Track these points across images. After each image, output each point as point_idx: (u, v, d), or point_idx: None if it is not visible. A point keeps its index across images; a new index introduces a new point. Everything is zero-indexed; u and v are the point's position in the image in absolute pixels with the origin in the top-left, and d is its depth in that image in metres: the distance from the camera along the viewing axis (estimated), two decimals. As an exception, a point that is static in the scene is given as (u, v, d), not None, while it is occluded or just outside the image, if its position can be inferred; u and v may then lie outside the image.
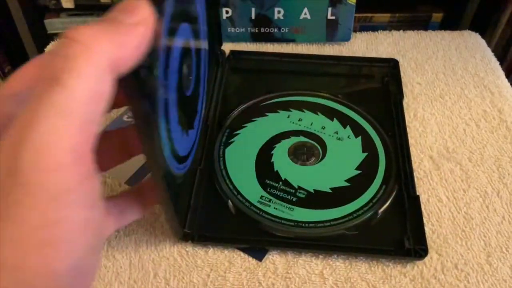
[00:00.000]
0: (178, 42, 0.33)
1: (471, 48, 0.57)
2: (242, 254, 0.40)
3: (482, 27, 0.70)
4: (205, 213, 0.41)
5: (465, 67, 0.55)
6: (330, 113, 0.49)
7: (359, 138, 0.47)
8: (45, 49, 0.57)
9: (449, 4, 0.69)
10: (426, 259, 0.39)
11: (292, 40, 0.57)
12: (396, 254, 0.39)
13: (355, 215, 0.41)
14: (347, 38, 0.57)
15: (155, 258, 0.39)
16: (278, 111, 0.49)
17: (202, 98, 0.44)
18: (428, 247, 0.40)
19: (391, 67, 0.54)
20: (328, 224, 0.41)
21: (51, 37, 0.60)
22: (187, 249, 0.40)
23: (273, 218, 0.41)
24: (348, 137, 0.47)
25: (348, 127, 0.48)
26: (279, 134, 0.47)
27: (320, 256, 0.39)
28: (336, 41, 0.58)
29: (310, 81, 0.53)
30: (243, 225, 0.41)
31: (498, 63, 0.55)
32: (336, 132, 0.47)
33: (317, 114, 0.49)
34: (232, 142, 0.46)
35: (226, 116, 0.48)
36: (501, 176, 0.45)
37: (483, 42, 0.58)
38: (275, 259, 0.39)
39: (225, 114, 0.49)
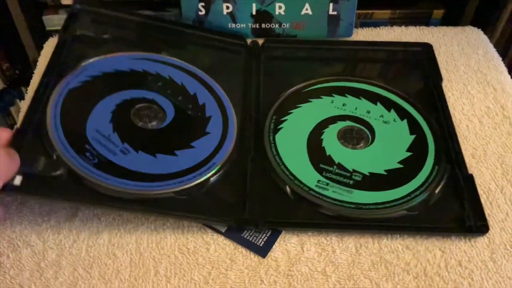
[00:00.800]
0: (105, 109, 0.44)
1: (473, 44, 0.56)
2: (244, 251, 0.39)
3: (483, 24, 0.69)
4: (263, 200, 0.42)
5: (468, 63, 0.54)
6: (373, 98, 0.49)
7: (405, 121, 0.47)
8: (43, 45, 0.57)
9: (450, 1, 0.69)
10: (429, 256, 0.39)
11: (294, 36, 0.57)
12: (458, 231, 0.40)
13: (412, 195, 0.42)
14: (348, 34, 0.57)
15: (156, 256, 0.39)
16: (321, 96, 0.49)
17: (217, 103, 0.47)
18: (431, 244, 0.39)
19: (426, 51, 0.54)
20: (388, 205, 0.41)
21: (50, 33, 0.59)
22: (188, 247, 0.39)
23: (333, 201, 0.41)
24: (394, 120, 0.47)
25: (392, 111, 0.48)
26: (326, 119, 0.47)
27: (323, 254, 0.39)
28: (337, 37, 0.57)
29: (347, 67, 0.53)
30: (303, 210, 0.42)
31: (501, 59, 0.55)
32: (382, 116, 0.48)
33: (360, 99, 0.49)
34: (280, 129, 0.46)
35: (270, 104, 0.49)
36: (505, 173, 0.44)
37: (485, 38, 0.57)
38: (277, 257, 0.39)
39: (269, 102, 0.49)
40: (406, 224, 0.41)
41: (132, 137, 0.43)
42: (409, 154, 0.45)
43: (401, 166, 0.44)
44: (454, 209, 0.41)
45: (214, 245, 0.39)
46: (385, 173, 0.43)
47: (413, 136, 0.46)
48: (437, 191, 0.42)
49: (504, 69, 0.53)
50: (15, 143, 0.38)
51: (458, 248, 0.39)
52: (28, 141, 0.39)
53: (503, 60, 0.55)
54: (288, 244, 0.40)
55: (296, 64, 0.54)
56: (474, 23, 0.61)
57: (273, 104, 0.49)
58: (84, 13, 0.52)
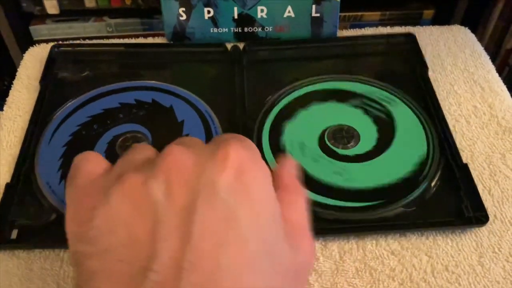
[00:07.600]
0: None
1: (460, 43, 0.55)
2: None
3: (474, 23, 0.69)
4: None
5: (455, 62, 0.53)
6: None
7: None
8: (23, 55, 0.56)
9: (440, 1, 0.68)
10: (415, 261, 0.38)
11: (277, 39, 0.56)
12: (458, 224, 0.39)
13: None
14: (332, 36, 0.56)
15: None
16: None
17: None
18: (417, 249, 0.38)
19: (409, 41, 0.54)
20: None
21: (37, 43, 0.59)
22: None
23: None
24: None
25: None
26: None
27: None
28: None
29: (331, 64, 0.53)
30: None
31: (488, 57, 0.54)
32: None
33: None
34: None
35: (257, 110, 0.48)
36: (492, 173, 0.43)
37: (472, 36, 0.56)
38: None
39: (255, 108, 0.48)
40: (406, 222, 0.40)
41: None
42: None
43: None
44: (452, 202, 0.40)
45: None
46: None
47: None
48: (432, 184, 0.41)
49: (491, 68, 0.52)
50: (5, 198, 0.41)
51: (444, 253, 0.38)
52: (19, 194, 0.41)
53: (495, 58, 0.54)
54: (270, 252, 0.39)
55: (279, 66, 0.53)
56: (465, 23, 0.60)
57: (260, 111, 0.47)
58: (62, 55, 0.52)
